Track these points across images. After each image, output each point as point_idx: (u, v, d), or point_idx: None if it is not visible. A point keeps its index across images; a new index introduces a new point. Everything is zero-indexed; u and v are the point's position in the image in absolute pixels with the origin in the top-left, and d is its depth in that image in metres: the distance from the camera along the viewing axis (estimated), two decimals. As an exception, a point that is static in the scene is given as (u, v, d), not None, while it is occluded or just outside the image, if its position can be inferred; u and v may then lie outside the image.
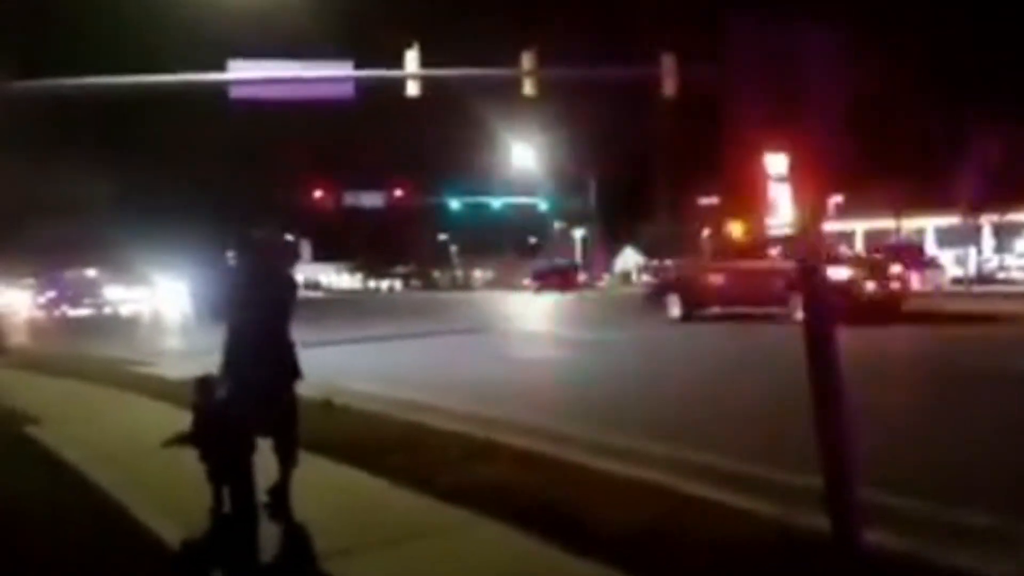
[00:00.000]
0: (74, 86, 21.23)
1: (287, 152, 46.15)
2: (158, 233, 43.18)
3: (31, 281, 50.22)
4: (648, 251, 66.97)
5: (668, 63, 23.10)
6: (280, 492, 5.25)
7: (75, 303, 45.91)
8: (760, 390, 9.59)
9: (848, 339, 4.15)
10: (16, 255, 45.26)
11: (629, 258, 70.12)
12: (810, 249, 4.06)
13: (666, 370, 12.60)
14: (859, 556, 3.78)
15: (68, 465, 6.93)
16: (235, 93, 21.81)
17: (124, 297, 47.60)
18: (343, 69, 21.83)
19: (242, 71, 21.55)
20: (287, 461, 5.29)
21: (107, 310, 44.69)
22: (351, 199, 57.02)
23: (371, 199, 57.82)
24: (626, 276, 68.16)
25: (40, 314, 42.49)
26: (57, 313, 43.91)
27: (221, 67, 21.36)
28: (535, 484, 5.56)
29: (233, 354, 5.07)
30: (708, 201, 63.18)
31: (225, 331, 5.11)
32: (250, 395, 4.95)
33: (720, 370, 12.10)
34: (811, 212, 4.03)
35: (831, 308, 3.97)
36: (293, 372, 5.35)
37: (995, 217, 42.41)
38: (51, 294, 48.00)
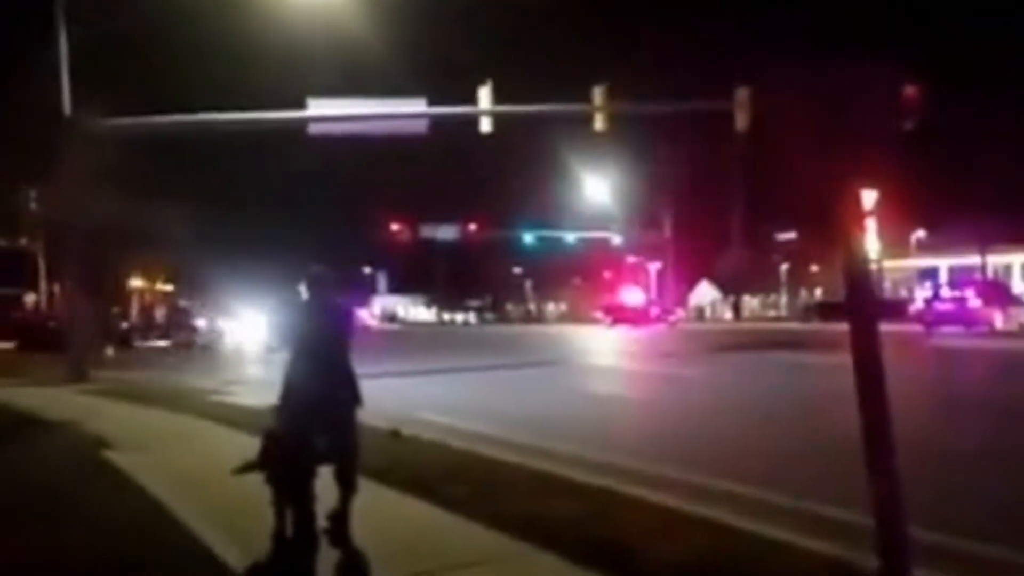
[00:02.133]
0: (162, 123, 22.11)
1: (364, 188, 47.19)
2: (243, 266, 44.41)
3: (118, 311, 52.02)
4: (724, 285, 66.25)
5: (741, 96, 22.95)
6: (340, 518, 5.39)
7: (166, 333, 47.35)
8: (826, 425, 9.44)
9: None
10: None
11: (705, 292, 69.43)
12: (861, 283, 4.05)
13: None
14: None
15: (143, 488, 7.20)
16: (313, 130, 22.43)
17: (212, 327, 49.06)
18: (417, 106, 22.28)
19: (321, 108, 22.16)
20: (347, 488, 5.43)
21: (198, 340, 45.78)
22: (427, 232, 57.97)
23: (446, 232, 58.70)
24: (700, 311, 67.45)
25: (134, 342, 43.81)
26: (148, 343, 45.12)
27: (301, 105, 22.02)
28: (592, 518, 5.60)
29: (291, 383, 5.26)
30: (786, 236, 62.28)
31: (286, 361, 5.31)
32: (308, 421, 5.13)
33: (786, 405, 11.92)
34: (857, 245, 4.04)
35: (876, 337, 3.95)
36: (353, 399, 5.51)
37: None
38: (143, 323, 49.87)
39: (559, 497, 6.25)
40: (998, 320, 30.82)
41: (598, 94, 23.23)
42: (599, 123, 23.46)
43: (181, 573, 5.09)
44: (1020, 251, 42.11)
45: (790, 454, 8.23)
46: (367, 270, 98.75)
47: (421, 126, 22.47)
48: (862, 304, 4.03)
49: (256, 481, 5.22)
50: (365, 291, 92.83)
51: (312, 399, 5.16)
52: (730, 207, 59.68)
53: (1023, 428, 9.51)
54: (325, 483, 5.25)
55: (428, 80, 23.30)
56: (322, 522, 5.25)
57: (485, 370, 20.04)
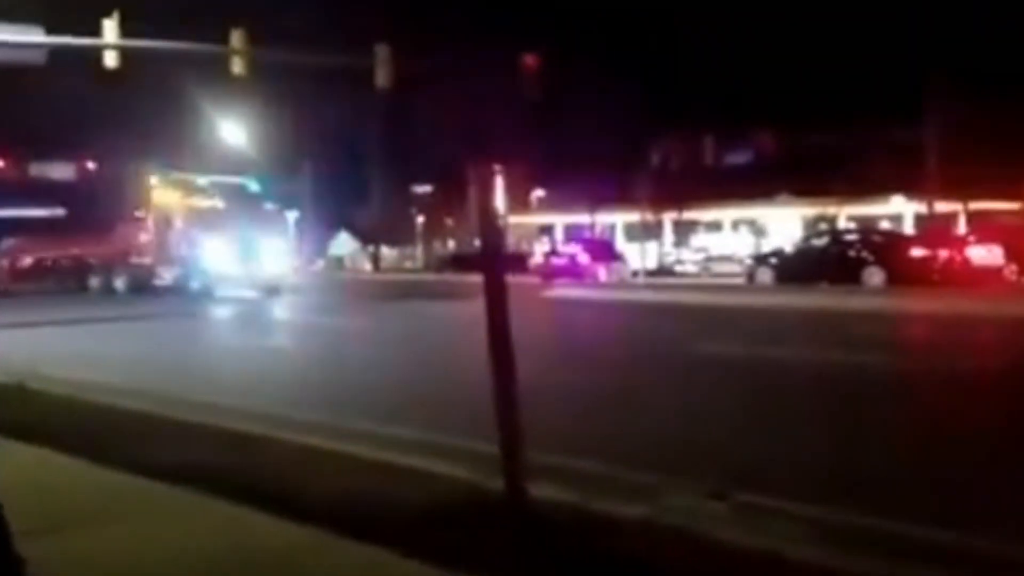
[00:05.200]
0: None
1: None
2: None
3: None
4: (364, 236, 67.29)
5: (382, 53, 23.54)
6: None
7: None
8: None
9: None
10: None
11: (344, 242, 69.99)
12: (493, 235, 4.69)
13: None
14: (525, 507, 4.49)
15: None
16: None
17: None
18: (33, 34, 20.25)
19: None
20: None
21: None
22: (37, 170, 52.60)
23: (61, 171, 53.59)
24: (339, 260, 67.98)
25: None
26: None
27: None
28: (243, 463, 5.85)
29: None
30: (422, 189, 64.56)
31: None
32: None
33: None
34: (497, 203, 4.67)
35: (505, 291, 4.60)
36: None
37: (674, 215, 47.15)
38: None
39: (210, 444, 6.40)
40: (602, 274, 34.83)
41: (236, 36, 22.65)
42: (237, 67, 22.92)
43: None
44: (622, 212, 47.36)
45: (438, 398, 8.97)
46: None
47: (38, 56, 20.46)
48: (493, 258, 4.66)
49: None
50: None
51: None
52: (370, 159, 60.62)
53: (610, 366, 11.13)
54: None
55: (50, 6, 21.14)
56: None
57: (121, 321, 19.06)
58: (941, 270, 24.46)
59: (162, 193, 32.93)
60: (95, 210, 34.28)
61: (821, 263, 25.80)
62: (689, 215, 47.47)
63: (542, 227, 53.27)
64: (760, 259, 30.10)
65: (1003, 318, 16.15)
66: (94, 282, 31.03)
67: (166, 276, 29.64)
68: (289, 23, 25.26)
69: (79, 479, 5.69)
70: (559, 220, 52.30)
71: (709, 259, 43.33)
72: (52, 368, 10.54)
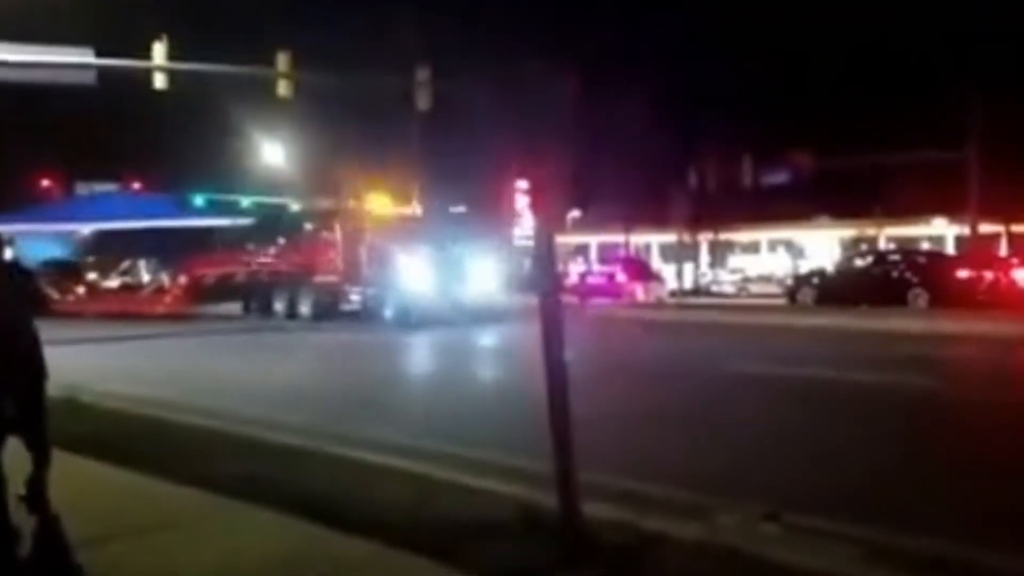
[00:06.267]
0: None
1: (20, 140, 42.43)
2: None
3: None
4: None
5: (422, 76, 23.81)
6: (36, 485, 5.26)
7: None
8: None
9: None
10: None
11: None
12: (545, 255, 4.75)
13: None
14: (579, 524, 4.53)
15: None
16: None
17: None
18: (83, 56, 20.74)
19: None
20: (40, 456, 5.31)
21: None
22: (83, 189, 53.64)
23: (105, 190, 54.53)
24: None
25: None
26: None
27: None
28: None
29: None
30: (456, 210, 64.78)
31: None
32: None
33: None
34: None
35: (561, 312, 4.66)
36: (39, 369, 5.33)
37: (710, 235, 46.99)
38: None
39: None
40: (640, 293, 34.78)
41: (282, 59, 23.06)
42: (283, 89, 23.31)
43: None
44: (657, 232, 47.25)
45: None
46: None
47: (88, 77, 20.94)
48: (547, 278, 4.72)
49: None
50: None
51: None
52: (408, 179, 60.94)
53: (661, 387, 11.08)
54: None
55: (99, 31, 21.65)
56: (19, 490, 5.11)
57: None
58: (986, 291, 24.12)
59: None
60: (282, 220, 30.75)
61: (864, 284, 25.55)
62: (726, 235, 47.32)
63: (577, 247, 53.28)
64: (802, 279, 29.88)
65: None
66: (278, 305, 25.23)
67: (354, 298, 23.86)
68: (331, 46, 25.58)
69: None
70: (594, 240, 52.26)
71: (747, 279, 43.16)
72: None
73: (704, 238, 47.22)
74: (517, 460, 6.29)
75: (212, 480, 5.81)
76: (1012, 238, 38.94)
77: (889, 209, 40.85)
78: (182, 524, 5.14)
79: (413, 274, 22.44)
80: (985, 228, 36.13)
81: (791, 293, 28.99)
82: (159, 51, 21.53)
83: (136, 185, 52.98)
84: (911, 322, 18.57)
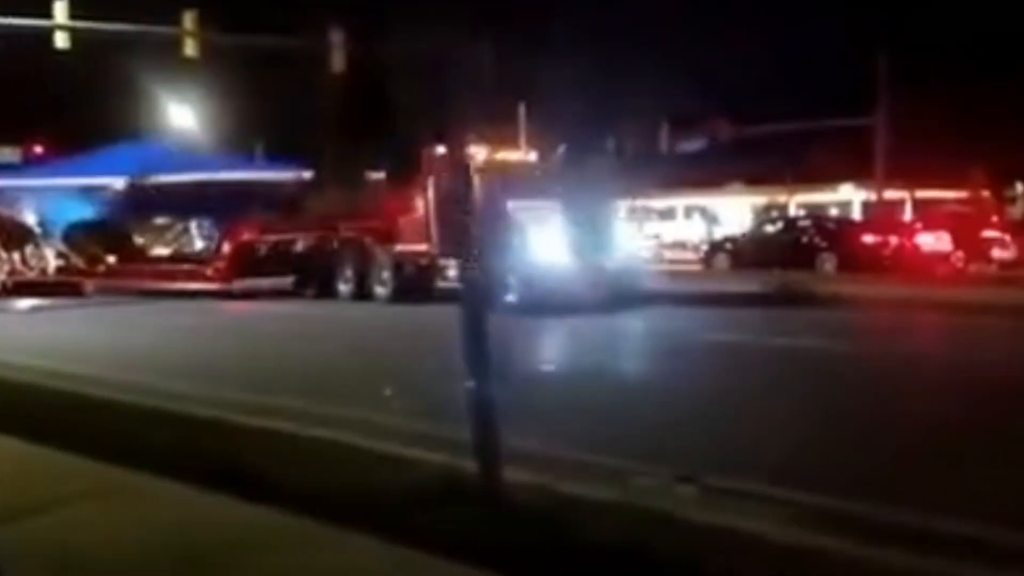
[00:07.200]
0: None
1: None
2: None
3: None
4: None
5: (336, 37, 23.36)
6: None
7: None
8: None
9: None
10: None
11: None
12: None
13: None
14: (499, 488, 4.56)
15: None
16: None
17: None
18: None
19: None
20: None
21: None
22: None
23: (5, 155, 52.39)
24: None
25: None
26: None
27: None
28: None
29: None
30: (376, 175, 63.98)
31: None
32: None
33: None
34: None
35: (481, 287, 4.63)
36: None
37: (628, 202, 47.37)
38: None
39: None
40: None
41: (188, 18, 22.38)
42: (189, 49, 22.63)
43: None
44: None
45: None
46: None
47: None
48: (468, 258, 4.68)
49: None
50: None
51: None
52: (321, 142, 59.91)
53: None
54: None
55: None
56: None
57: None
58: (891, 256, 24.96)
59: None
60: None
61: (775, 249, 26.17)
62: (642, 202, 47.79)
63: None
64: (716, 245, 30.51)
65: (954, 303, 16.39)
66: (343, 286, 20.25)
67: (451, 273, 16.90)
68: (244, 5, 24.88)
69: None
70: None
71: (662, 246, 43.69)
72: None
73: (623, 205, 47.60)
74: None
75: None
76: (916, 204, 40.23)
77: (799, 176, 41.80)
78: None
79: (545, 242, 17.47)
80: (891, 194, 37.26)
81: (706, 259, 29.59)
82: (60, 8, 20.68)
83: (38, 149, 50.94)
84: (819, 286, 19.07)
